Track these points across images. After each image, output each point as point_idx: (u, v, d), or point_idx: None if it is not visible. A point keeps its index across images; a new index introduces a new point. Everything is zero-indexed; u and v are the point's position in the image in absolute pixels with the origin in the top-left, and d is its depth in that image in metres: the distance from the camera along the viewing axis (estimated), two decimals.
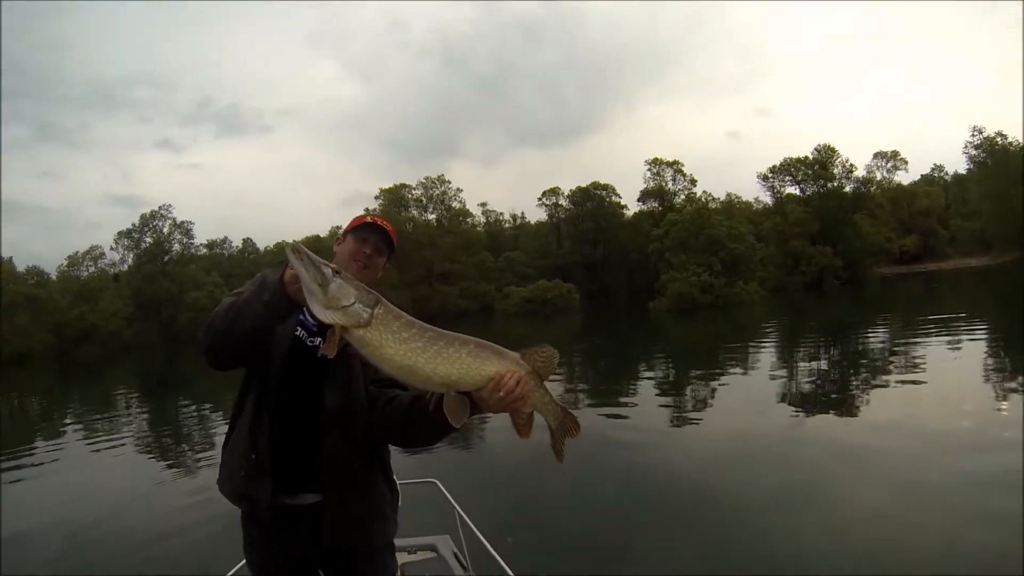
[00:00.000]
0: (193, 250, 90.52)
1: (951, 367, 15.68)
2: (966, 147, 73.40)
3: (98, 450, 15.09)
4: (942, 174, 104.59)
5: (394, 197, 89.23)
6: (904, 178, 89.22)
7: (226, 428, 2.67)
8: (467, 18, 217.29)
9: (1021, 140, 66.29)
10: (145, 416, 22.18)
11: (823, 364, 19.66)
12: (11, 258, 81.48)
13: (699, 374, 19.84)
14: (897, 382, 14.43)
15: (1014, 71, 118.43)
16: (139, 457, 14.23)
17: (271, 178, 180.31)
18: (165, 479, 11.83)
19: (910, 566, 5.79)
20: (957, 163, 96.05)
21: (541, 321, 60.44)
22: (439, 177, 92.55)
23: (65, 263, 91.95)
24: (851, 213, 73.60)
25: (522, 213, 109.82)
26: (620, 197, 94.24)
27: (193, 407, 22.04)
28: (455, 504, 5.00)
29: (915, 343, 20.17)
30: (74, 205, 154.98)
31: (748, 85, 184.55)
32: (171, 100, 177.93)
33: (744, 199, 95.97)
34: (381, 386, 2.59)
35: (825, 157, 74.79)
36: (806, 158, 75.06)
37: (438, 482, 5.37)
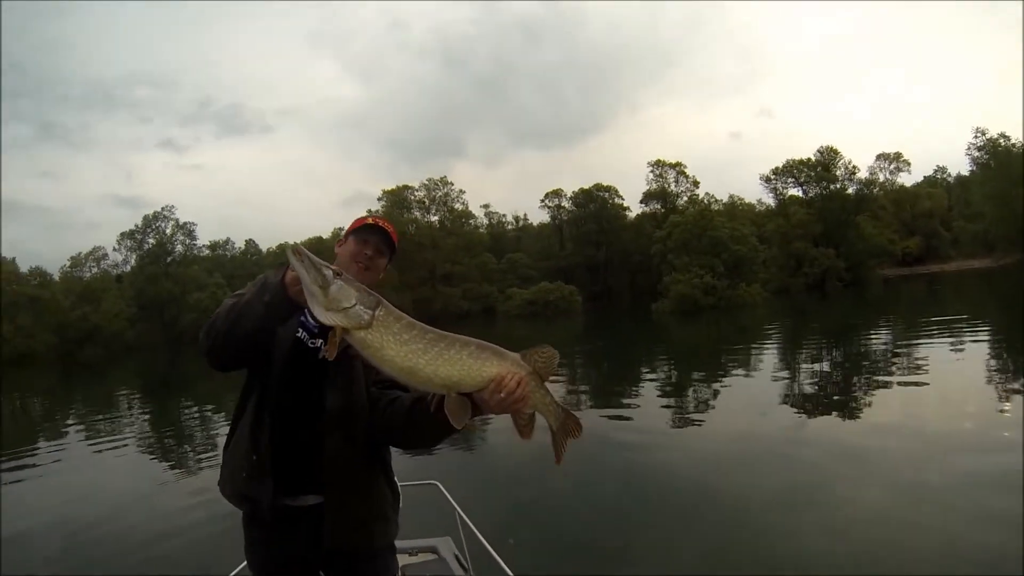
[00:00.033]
0: (196, 251, 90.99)
1: (953, 369, 15.68)
2: (969, 148, 73.66)
3: (100, 451, 15.11)
4: (945, 176, 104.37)
5: (397, 198, 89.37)
6: (907, 179, 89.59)
7: (228, 429, 2.67)
8: (467, 18, 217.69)
9: (1023, 141, 66.37)
10: (147, 417, 22.19)
11: (825, 366, 19.63)
12: (14, 259, 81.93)
13: (701, 376, 19.82)
14: (899, 383, 14.41)
15: (1014, 71, 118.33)
16: (141, 458, 14.25)
17: (273, 178, 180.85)
18: (167, 479, 11.84)
19: (911, 566, 5.79)
20: (960, 165, 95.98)
21: (543, 323, 60.45)
22: (442, 179, 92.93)
23: (68, 264, 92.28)
24: (854, 215, 73.45)
25: (524, 215, 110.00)
26: (623, 199, 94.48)
27: (195, 408, 22.07)
28: (456, 506, 4.99)
29: (917, 345, 20.14)
30: (75, 205, 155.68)
31: (749, 85, 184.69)
32: (172, 100, 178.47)
33: (747, 201, 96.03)
34: (382, 388, 2.59)
35: (828, 159, 74.64)
36: (809, 160, 74.95)
37: (439, 484, 5.37)
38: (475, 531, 4.60)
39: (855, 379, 16.32)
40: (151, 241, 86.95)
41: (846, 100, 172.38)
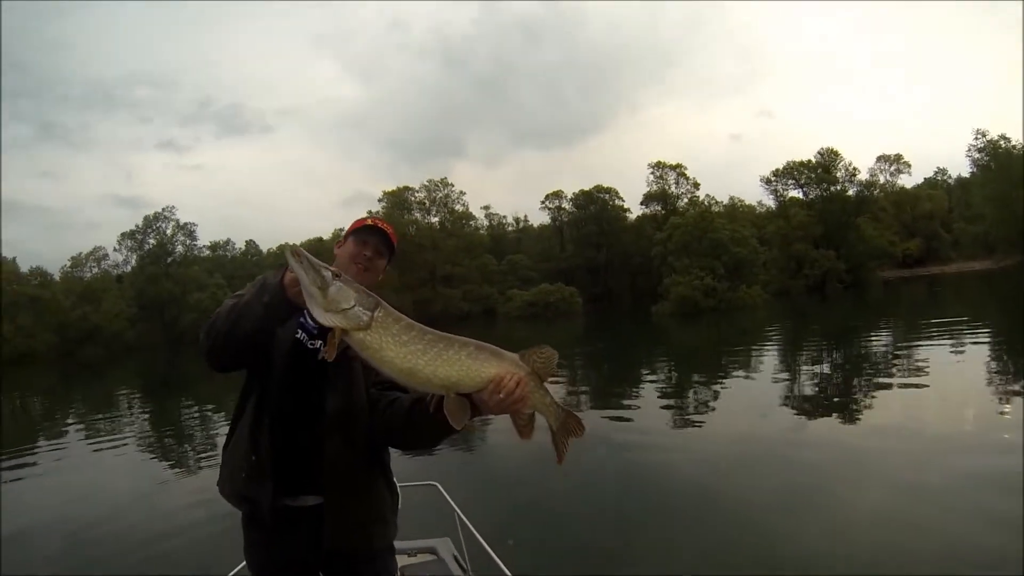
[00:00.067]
0: (196, 251, 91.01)
1: (954, 371, 15.68)
2: (969, 150, 73.62)
3: (100, 450, 15.13)
4: (945, 177, 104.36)
5: (397, 199, 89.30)
6: (907, 181, 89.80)
7: (227, 429, 2.67)
8: (467, 18, 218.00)
9: (1023, 143, 66.40)
10: (147, 417, 22.21)
11: (826, 368, 19.64)
12: (15, 258, 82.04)
13: (701, 377, 19.81)
14: (900, 385, 14.40)
15: (1015, 72, 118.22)
16: (141, 457, 14.25)
17: (273, 178, 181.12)
18: (167, 479, 11.86)
19: (911, 567, 5.79)
20: (961, 166, 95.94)
21: (544, 324, 60.47)
22: (442, 180, 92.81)
23: (68, 264, 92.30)
24: (854, 216, 73.36)
25: (525, 216, 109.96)
26: (623, 200, 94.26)
27: (195, 408, 22.07)
28: (455, 507, 4.99)
29: (918, 347, 20.16)
30: (75, 205, 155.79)
31: (749, 86, 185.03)
32: (172, 100, 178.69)
33: (747, 202, 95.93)
34: (382, 389, 2.59)
35: (828, 160, 74.60)
36: (809, 161, 74.90)
37: (438, 485, 5.37)
38: (474, 532, 4.60)
39: (855, 381, 16.33)
40: (151, 241, 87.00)
41: (846, 101, 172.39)
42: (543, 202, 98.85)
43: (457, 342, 2.17)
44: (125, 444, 15.69)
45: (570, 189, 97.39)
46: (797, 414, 13.00)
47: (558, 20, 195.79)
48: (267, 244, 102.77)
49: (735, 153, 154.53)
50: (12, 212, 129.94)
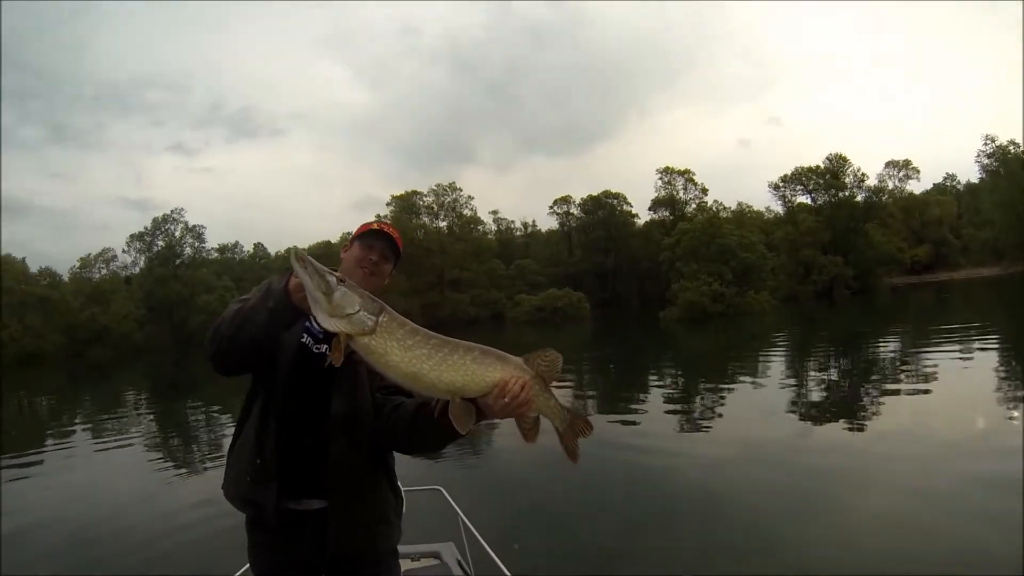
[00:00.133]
0: (204, 254, 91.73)
1: (962, 376, 15.60)
2: (978, 156, 73.26)
3: (106, 450, 15.21)
4: (954, 183, 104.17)
5: (405, 204, 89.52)
6: (916, 187, 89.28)
7: (233, 432, 2.68)
8: (478, 23, 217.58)
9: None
10: (154, 418, 22.30)
11: (833, 374, 19.57)
12: (24, 259, 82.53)
13: (709, 383, 19.75)
14: (907, 391, 14.38)
15: (1015, 72, 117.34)
16: (146, 458, 14.25)
17: (282, 182, 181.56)
18: (172, 480, 11.87)
19: (919, 572, 5.77)
20: (970, 172, 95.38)
21: (552, 329, 60.43)
22: (450, 184, 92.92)
23: (77, 265, 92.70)
24: (862, 222, 73.37)
25: (533, 221, 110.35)
26: (631, 206, 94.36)
27: (202, 410, 22.13)
28: (459, 511, 5.00)
29: (926, 353, 20.08)
30: (85, 207, 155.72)
31: (759, 92, 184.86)
32: (183, 103, 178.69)
33: (755, 208, 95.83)
34: (387, 393, 2.59)
35: (836, 166, 74.61)
36: (817, 167, 74.98)
37: (443, 489, 5.37)
38: (478, 537, 4.60)
39: (863, 386, 16.27)
40: (160, 243, 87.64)
41: (855, 106, 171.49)
42: (551, 207, 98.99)
43: (462, 347, 2.17)
44: (131, 445, 15.74)
45: (579, 195, 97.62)
46: (804, 419, 12.97)
47: (568, 26, 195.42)
48: (276, 247, 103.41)
49: (743, 159, 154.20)
50: (22, 213, 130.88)
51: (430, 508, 5.56)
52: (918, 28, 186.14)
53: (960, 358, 18.14)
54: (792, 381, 18.13)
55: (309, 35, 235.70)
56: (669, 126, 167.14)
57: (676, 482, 9.49)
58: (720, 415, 14.32)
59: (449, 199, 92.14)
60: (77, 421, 22.64)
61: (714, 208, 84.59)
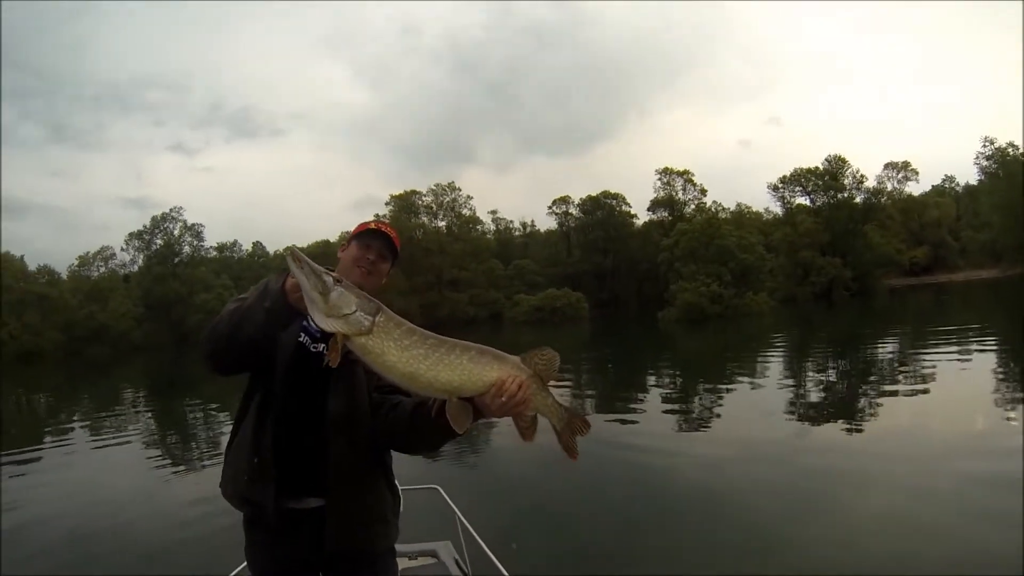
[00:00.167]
0: (203, 252, 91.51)
1: (960, 378, 15.63)
2: (977, 158, 73.45)
3: (105, 448, 15.23)
4: (953, 185, 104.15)
5: (404, 203, 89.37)
6: (915, 189, 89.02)
7: (231, 430, 2.68)
8: (478, 23, 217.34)
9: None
10: (152, 416, 22.32)
11: (831, 374, 19.59)
12: (23, 256, 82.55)
13: (707, 384, 19.76)
14: (906, 392, 14.39)
15: (1015, 73, 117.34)
16: (145, 456, 14.24)
17: (282, 181, 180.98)
18: (171, 478, 11.87)
19: (919, 571, 5.79)
20: (969, 174, 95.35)
21: (550, 329, 60.44)
22: (449, 184, 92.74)
23: (76, 263, 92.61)
24: (861, 224, 73.35)
25: (532, 221, 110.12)
26: (630, 206, 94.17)
27: (200, 408, 22.11)
28: (456, 510, 5.00)
29: (924, 354, 20.11)
30: (84, 205, 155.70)
31: (759, 93, 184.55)
32: (183, 103, 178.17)
33: (754, 209, 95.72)
34: (384, 392, 2.59)
35: (835, 167, 74.57)
36: (816, 168, 74.90)
37: (440, 488, 5.38)
38: (475, 536, 4.60)
39: (862, 387, 16.30)
40: (159, 242, 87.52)
41: (855, 108, 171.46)
42: (550, 207, 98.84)
43: (459, 346, 2.18)
44: (129, 442, 15.75)
45: (578, 195, 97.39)
46: (803, 420, 13.00)
47: (569, 26, 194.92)
48: (274, 246, 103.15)
49: (743, 159, 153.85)
50: (22, 211, 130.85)
51: (427, 507, 5.56)
52: (918, 29, 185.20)
53: (958, 359, 18.18)
54: (791, 382, 18.16)
55: (309, 35, 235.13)
56: (669, 126, 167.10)
57: (675, 482, 9.50)
58: (719, 415, 14.34)
59: (448, 199, 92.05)
60: (75, 419, 22.63)
61: (713, 209, 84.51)
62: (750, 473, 9.43)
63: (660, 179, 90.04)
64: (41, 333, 74.94)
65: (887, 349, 23.98)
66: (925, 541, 6.39)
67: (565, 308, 73.31)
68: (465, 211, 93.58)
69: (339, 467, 2.49)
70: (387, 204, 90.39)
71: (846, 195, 74.50)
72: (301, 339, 2.57)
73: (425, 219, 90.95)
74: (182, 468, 12.77)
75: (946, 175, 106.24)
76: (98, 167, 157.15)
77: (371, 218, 3.21)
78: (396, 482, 2.80)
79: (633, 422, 13.95)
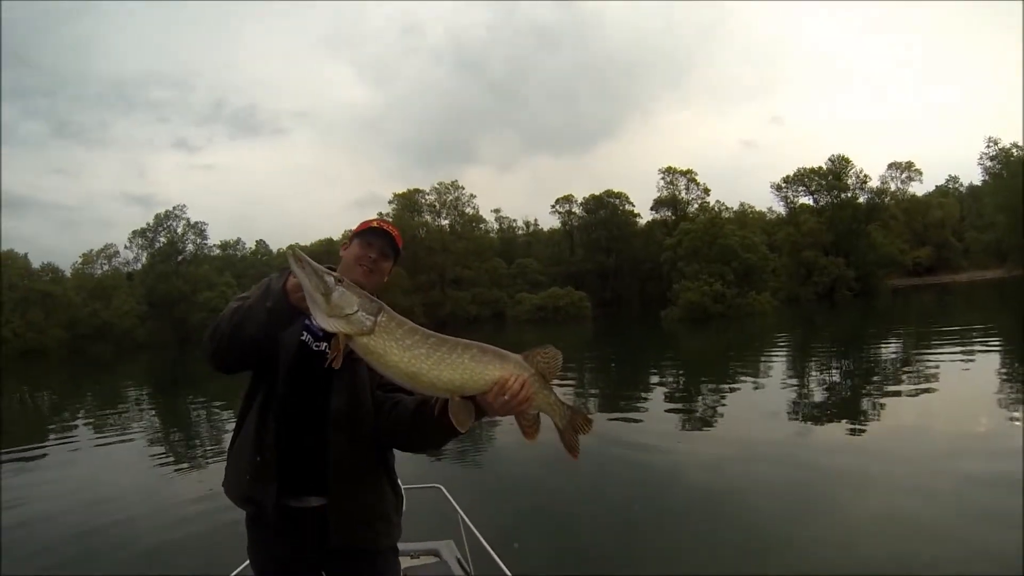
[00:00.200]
0: (206, 251, 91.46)
1: (963, 378, 15.62)
2: (981, 158, 73.33)
3: (108, 445, 15.25)
4: (957, 185, 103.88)
5: (407, 202, 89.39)
6: (918, 189, 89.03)
7: (233, 428, 2.68)
8: (482, 22, 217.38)
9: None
10: (155, 413, 22.32)
11: (834, 375, 19.57)
12: (26, 254, 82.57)
13: (710, 383, 19.72)
14: (909, 392, 14.35)
15: (1016, 73, 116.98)
16: (148, 453, 14.25)
17: (285, 180, 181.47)
18: (173, 476, 11.87)
19: (921, 571, 5.79)
20: (973, 174, 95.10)
21: (553, 328, 60.50)
22: (453, 183, 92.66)
23: (80, 260, 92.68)
24: (864, 224, 73.26)
25: (535, 220, 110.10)
26: (633, 205, 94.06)
27: (203, 406, 22.10)
28: (459, 509, 4.99)
29: (927, 354, 20.09)
30: (88, 203, 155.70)
31: (762, 93, 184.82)
32: (187, 101, 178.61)
33: (757, 209, 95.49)
34: (387, 391, 2.59)
35: (839, 167, 74.49)
36: (820, 168, 74.84)
37: (442, 487, 5.37)
38: (477, 535, 4.59)
39: (864, 388, 16.25)
40: (162, 240, 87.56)
41: (858, 108, 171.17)
42: (553, 206, 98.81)
43: (460, 345, 2.17)
44: (132, 440, 15.77)
45: (581, 194, 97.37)
46: (805, 420, 12.98)
47: (573, 26, 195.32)
48: (278, 244, 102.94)
49: (746, 159, 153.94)
50: (25, 208, 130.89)
51: (430, 506, 5.57)
52: (921, 29, 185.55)
53: (961, 360, 18.15)
54: (793, 382, 18.13)
55: (312, 34, 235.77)
56: (672, 126, 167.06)
57: (677, 481, 9.49)
58: (721, 415, 14.33)
59: (451, 197, 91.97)
60: (78, 416, 22.65)
61: (716, 208, 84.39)
62: (751, 473, 9.41)
63: (663, 178, 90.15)
64: (44, 331, 75.10)
65: (890, 349, 23.97)
66: (925, 541, 6.39)
67: (568, 307, 73.42)
68: (468, 210, 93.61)
69: (340, 465, 2.49)
70: (390, 202, 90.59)
71: (849, 195, 74.50)
72: (303, 338, 2.58)
73: (428, 217, 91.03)
74: (185, 466, 12.76)
75: (950, 175, 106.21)
76: (101, 164, 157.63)
77: (374, 216, 3.21)
78: (399, 481, 2.79)
79: (635, 421, 13.93)
